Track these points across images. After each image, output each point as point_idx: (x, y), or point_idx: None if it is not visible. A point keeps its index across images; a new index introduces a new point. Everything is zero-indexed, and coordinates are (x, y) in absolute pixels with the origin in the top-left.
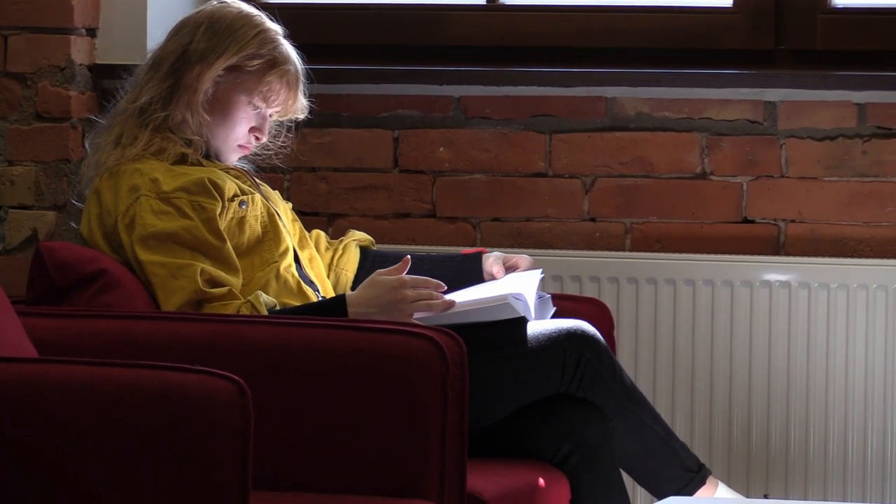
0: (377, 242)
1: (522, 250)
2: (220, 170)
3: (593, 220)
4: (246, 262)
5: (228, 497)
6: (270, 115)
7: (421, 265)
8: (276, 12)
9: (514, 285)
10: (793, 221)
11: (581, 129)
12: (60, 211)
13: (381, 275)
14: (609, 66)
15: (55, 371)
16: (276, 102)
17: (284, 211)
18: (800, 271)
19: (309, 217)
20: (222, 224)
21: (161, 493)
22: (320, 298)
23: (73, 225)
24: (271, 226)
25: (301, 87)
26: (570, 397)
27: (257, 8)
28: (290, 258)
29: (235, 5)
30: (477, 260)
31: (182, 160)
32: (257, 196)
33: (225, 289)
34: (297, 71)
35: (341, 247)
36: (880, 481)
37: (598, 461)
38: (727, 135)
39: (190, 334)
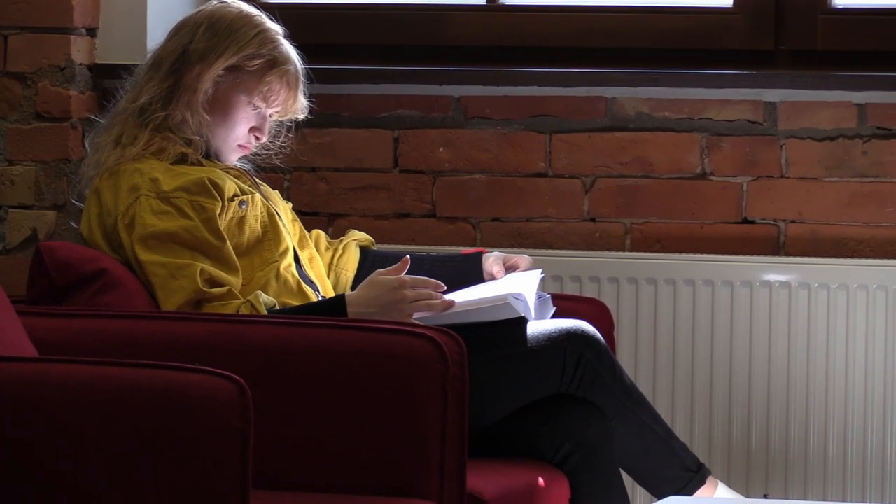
0: (377, 242)
1: (522, 250)
2: (220, 169)
3: (593, 220)
4: (246, 262)
5: (228, 497)
6: (270, 115)
7: (421, 265)
8: (276, 12)
9: (514, 285)
10: (793, 222)
11: (581, 129)
12: (60, 211)
13: (380, 275)
14: (609, 66)
15: (55, 371)
16: (276, 102)
17: (284, 211)
18: (800, 272)
19: (309, 217)
20: (222, 224)
21: (161, 492)
22: (320, 298)
23: (73, 224)
24: (271, 225)
25: (301, 86)
26: (570, 397)
27: (257, 8)
28: (289, 258)
29: (235, 5)
30: (477, 260)
31: (182, 160)
32: (257, 196)
33: (224, 289)
34: (297, 71)
35: (341, 247)
36: (880, 481)
37: (598, 461)
38: (727, 135)
39: (189, 334)
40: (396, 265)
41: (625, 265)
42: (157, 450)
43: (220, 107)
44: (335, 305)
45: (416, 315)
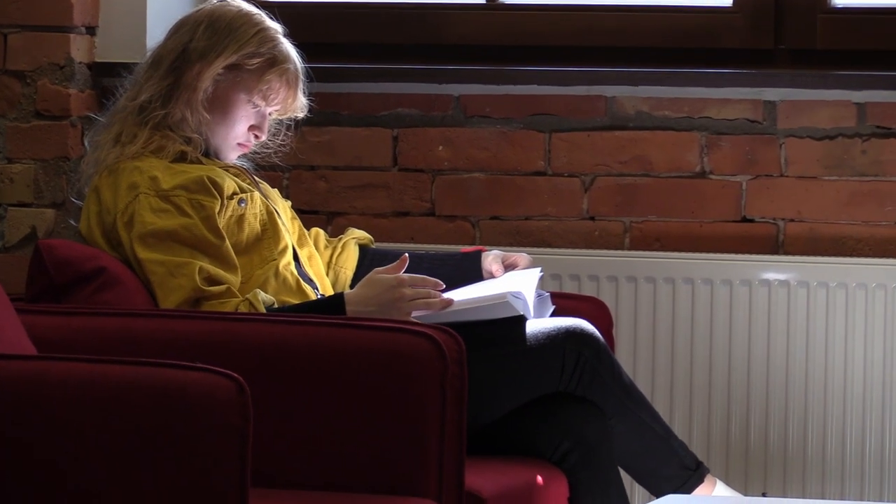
0: (376, 241)
1: (521, 249)
2: (220, 168)
3: (592, 218)
4: (245, 260)
5: (227, 495)
6: (270, 114)
7: (420, 263)
8: (275, 11)
9: (513, 284)
10: (792, 221)
11: (580, 128)
12: (59, 209)
13: (379, 273)
14: (609, 65)
15: (54, 368)
16: (276, 101)
17: (283, 209)
18: (799, 270)
19: (308, 215)
20: (221, 222)
21: (160, 490)
22: (319, 296)
23: (72, 223)
24: (270, 224)
25: (300, 85)
26: (569, 396)
27: (257, 6)
28: (289, 256)
29: (235, 4)
30: (476, 258)
31: (181, 158)
32: (256, 194)
33: (223, 287)
34: (296, 69)
35: (340, 245)
36: (878, 479)
37: (597, 459)
38: (726, 134)
39: (188, 332)
40: (395, 263)
41: (624, 264)
42: (156, 448)
43: (220, 105)
44: (334, 304)
45: (414, 314)
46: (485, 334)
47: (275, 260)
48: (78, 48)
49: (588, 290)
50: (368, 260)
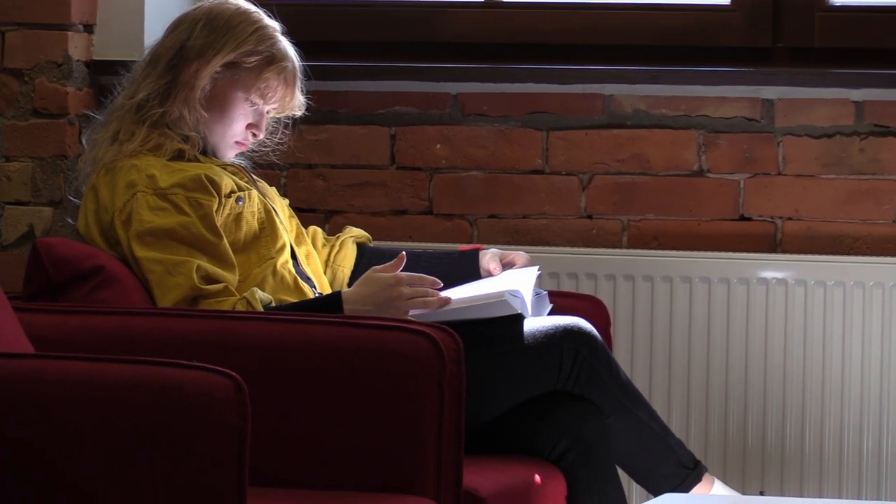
0: (374, 239)
1: (519, 247)
2: (217, 166)
3: (590, 217)
4: (242, 259)
5: (225, 493)
6: (268, 112)
7: (418, 262)
8: (273, 9)
9: (510, 282)
10: (790, 219)
11: (578, 126)
12: (57, 207)
13: (376, 272)
14: (606, 63)
15: (52, 367)
16: (274, 99)
17: (281, 207)
18: (796, 269)
19: (306, 213)
20: (219, 220)
21: (158, 488)
22: (317, 295)
23: (70, 221)
24: (268, 222)
25: (298, 83)
26: (567, 394)
27: (255, 5)
28: (286, 254)
29: (233, 2)
30: (474, 257)
31: (179, 156)
32: (254, 192)
33: (221, 285)
34: (294, 68)
35: (338, 243)
36: (876, 478)
37: (595, 458)
38: (724, 132)
39: (186, 331)
40: (392, 262)
41: (621, 262)
42: (154, 446)
43: (218, 103)
44: (331, 302)
45: (412, 312)
46: (483, 333)
47: (272, 258)
48: (76, 46)
49: (586, 288)
50: (366, 258)
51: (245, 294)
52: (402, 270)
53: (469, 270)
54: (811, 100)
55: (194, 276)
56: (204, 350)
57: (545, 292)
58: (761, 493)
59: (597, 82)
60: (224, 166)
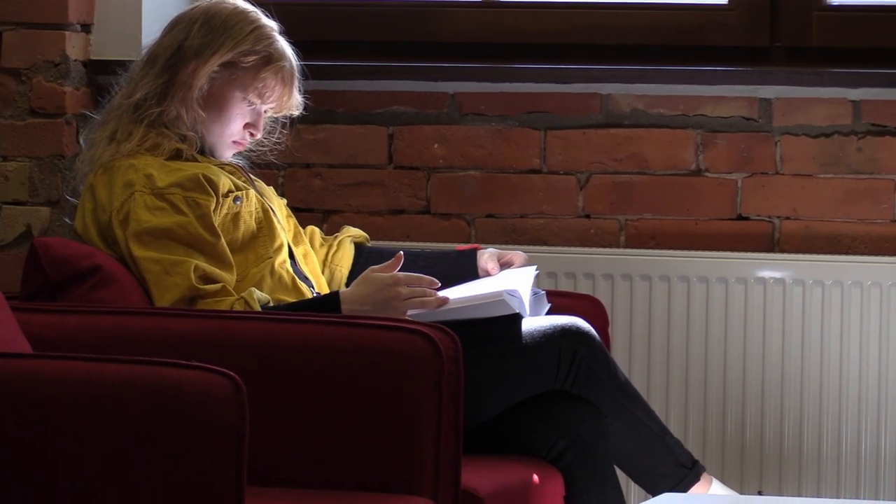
0: (372, 239)
1: (517, 247)
2: (215, 165)
3: (588, 216)
4: (240, 258)
5: (223, 493)
6: (265, 112)
7: (415, 262)
8: (271, 8)
9: (508, 282)
10: (787, 218)
11: (576, 125)
12: (54, 207)
13: (374, 272)
14: (604, 62)
15: (50, 367)
16: (271, 99)
17: (279, 207)
18: (794, 268)
19: (303, 213)
20: (217, 220)
21: (156, 488)
22: (315, 294)
23: (68, 221)
24: (266, 221)
25: (296, 83)
26: (565, 394)
27: (253, 4)
28: (284, 254)
29: (231, 1)
30: (472, 256)
31: (177, 156)
32: (252, 192)
33: (219, 285)
34: (292, 67)
35: (336, 243)
36: (874, 477)
37: (593, 457)
38: (722, 132)
39: (184, 330)
40: (390, 262)
41: (619, 262)
42: (152, 446)
43: (215, 103)
44: (329, 302)
45: (410, 312)
46: (481, 332)
47: (270, 258)
48: (73, 45)
49: (584, 288)
50: (364, 258)
51: (243, 294)
52: (399, 270)
53: (467, 270)
54: (809, 99)
55: (192, 275)
56: (202, 350)
57: (543, 292)
58: (759, 493)
59: (594, 82)
60: (222, 166)
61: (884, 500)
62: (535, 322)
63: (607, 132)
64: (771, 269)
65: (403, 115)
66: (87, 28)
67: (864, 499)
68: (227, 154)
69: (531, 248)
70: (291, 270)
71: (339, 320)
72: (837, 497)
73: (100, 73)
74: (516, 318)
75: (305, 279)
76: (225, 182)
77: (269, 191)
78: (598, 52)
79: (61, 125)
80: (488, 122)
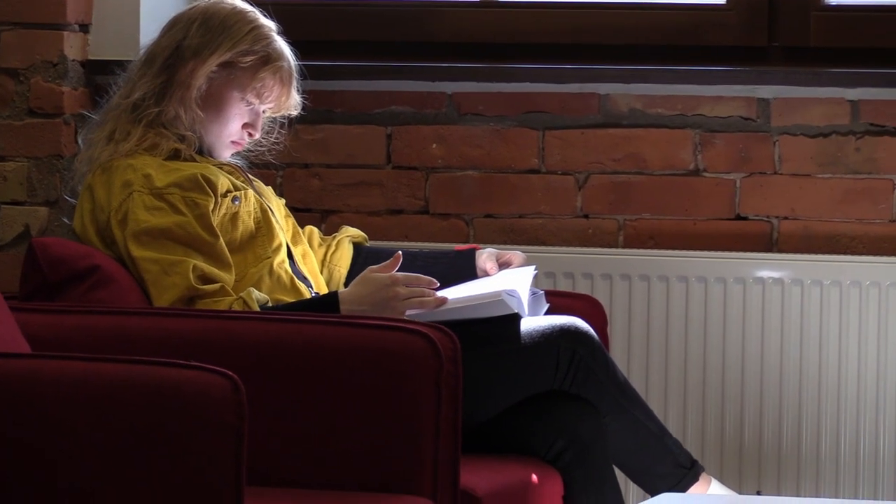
0: (370, 239)
1: (515, 247)
2: (213, 165)
3: (586, 216)
4: (239, 258)
5: (222, 493)
6: (263, 112)
7: (414, 262)
8: (269, 8)
9: (507, 282)
10: (786, 218)
11: (574, 125)
12: (53, 207)
13: (372, 272)
14: (602, 62)
15: (48, 367)
16: (270, 99)
17: (277, 207)
18: (793, 268)
19: (301, 213)
20: (215, 220)
21: (155, 488)
22: (313, 294)
23: (66, 221)
24: (264, 221)
25: (294, 83)
26: (564, 394)
27: (251, 4)
28: (283, 254)
29: (229, 1)
30: (470, 256)
31: (175, 156)
32: (250, 192)
33: (217, 285)
34: (290, 67)
35: (334, 243)
36: (872, 477)
37: (592, 457)
38: (720, 131)
39: (182, 330)
40: (388, 262)
41: (618, 262)
42: (151, 446)
43: (214, 103)
44: (328, 302)
45: (408, 312)
46: (479, 332)
47: (269, 258)
48: (71, 46)
49: (582, 288)
50: (362, 258)
51: (241, 294)
52: (398, 270)
53: (465, 270)
54: (807, 99)
55: (191, 275)
56: (200, 350)
57: (542, 292)
58: (758, 493)
59: (593, 82)
60: (220, 166)
61: (882, 499)
62: (534, 322)
63: (605, 132)
64: (769, 269)
65: (402, 115)
66: (85, 28)
67: (863, 499)
68: (226, 154)
69: (530, 248)
70: (290, 270)
71: (338, 320)
72: (836, 497)
73: (98, 73)
74: (515, 318)
75: (304, 279)
76: (223, 182)
77: (268, 191)
78: (597, 52)
79: (59, 125)
80: (486, 122)
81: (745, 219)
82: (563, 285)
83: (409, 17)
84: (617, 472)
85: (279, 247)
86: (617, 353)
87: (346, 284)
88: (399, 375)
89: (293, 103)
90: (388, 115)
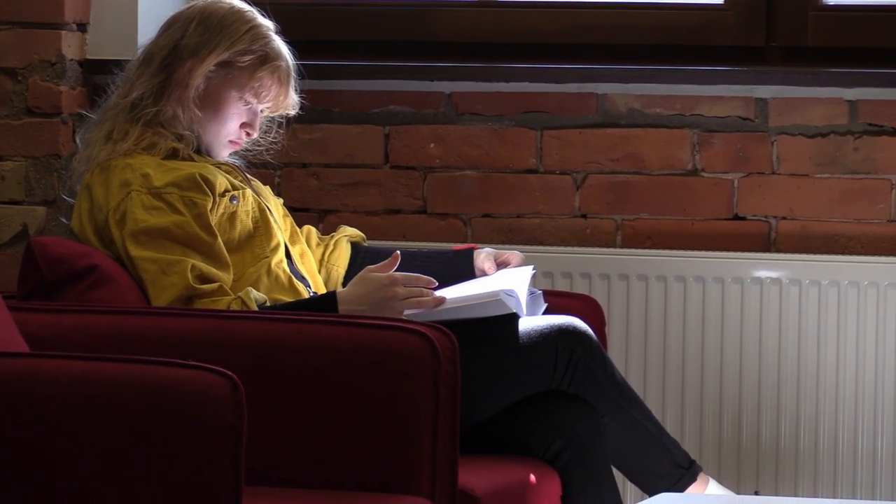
0: (368, 238)
1: (513, 247)
2: (212, 165)
3: (584, 216)
4: (237, 258)
5: (221, 492)
6: (261, 111)
7: (412, 261)
8: (267, 8)
9: (505, 281)
10: (784, 218)
11: (572, 125)
12: (50, 206)
13: (371, 272)
14: (600, 62)
15: (46, 366)
16: (268, 98)
17: (275, 206)
18: (791, 268)
19: (299, 213)
20: (213, 219)
21: (154, 488)
22: (311, 294)
23: (64, 220)
24: (262, 221)
25: (292, 82)
26: (562, 393)
27: (249, 3)
28: (281, 253)
29: (227, 1)
30: (468, 256)
31: (173, 155)
32: (248, 191)
33: (215, 285)
34: (288, 67)
35: (332, 242)
36: (870, 477)
37: (590, 457)
38: (718, 131)
39: (181, 330)
40: (387, 261)
41: (616, 261)
42: (149, 446)
43: (212, 102)
44: (326, 302)
45: (407, 312)
46: (477, 332)
47: (267, 257)
48: (69, 45)
49: (580, 287)
50: (360, 258)
51: (240, 293)
52: (396, 270)
53: (464, 270)
54: (805, 99)
55: (189, 275)
56: (199, 349)
57: (540, 292)
58: (756, 493)
59: (591, 81)
60: (218, 165)
61: (880, 499)
62: (532, 322)
63: (604, 132)
64: (767, 268)
65: (400, 114)
66: (83, 27)
67: (861, 498)
68: (224, 153)
69: (528, 247)
70: (288, 270)
71: (337, 320)
72: (834, 497)
73: (96, 73)
74: (513, 318)
75: (302, 279)
76: (221, 181)
77: (266, 190)
78: (595, 52)
79: (57, 125)
80: (485, 121)
81: (743, 219)
82: (561, 285)
83: (407, 17)
84: (615, 471)
85: (277, 246)
86: (615, 353)
87: (344, 284)
88: (397, 375)
89: (291, 103)
90: (387, 114)
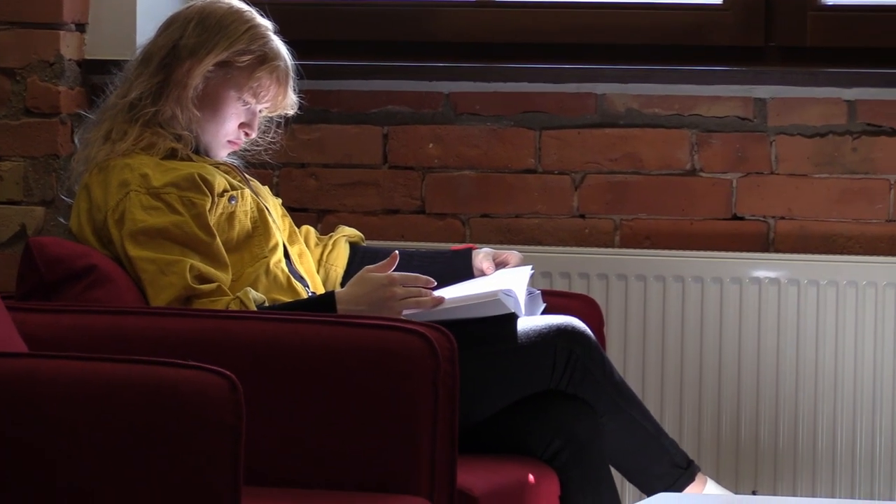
0: (366, 239)
1: (512, 247)
2: (210, 165)
3: (583, 216)
4: (235, 258)
5: (220, 492)
6: (260, 111)
7: (410, 261)
8: (266, 8)
9: (503, 281)
10: (782, 218)
11: (571, 125)
12: (49, 206)
13: (369, 271)
14: (599, 62)
15: (45, 366)
16: (266, 98)
17: (274, 206)
18: (789, 268)
19: (298, 213)
20: (212, 219)
21: (153, 488)
22: (310, 294)
23: (62, 220)
24: (261, 221)
25: (291, 82)
26: (560, 393)
27: (247, 3)
28: (279, 253)
29: (226, 1)
30: (467, 256)
31: (172, 155)
32: (247, 191)
33: (214, 285)
34: (287, 67)
35: (331, 242)
36: (869, 477)
37: (588, 457)
38: (717, 131)
39: (179, 330)
40: (385, 261)
41: (614, 261)
42: (148, 446)
43: (210, 102)
44: (324, 302)
45: (405, 312)
46: (476, 332)
47: (265, 257)
48: (68, 45)
49: (578, 287)
50: (359, 258)
51: (238, 294)
52: (394, 270)
53: (462, 270)
54: (803, 99)
55: (187, 275)
56: (197, 349)
57: (538, 291)
58: (754, 493)
59: (589, 81)
60: (217, 165)
61: (878, 499)
62: (531, 322)
63: (602, 132)
64: (766, 269)
65: (398, 114)
66: (81, 27)
67: (860, 498)
68: (222, 153)
69: (526, 247)
70: (287, 270)
71: (335, 320)
72: (832, 496)
73: (94, 73)
74: (512, 318)
75: (301, 279)
76: (220, 181)
77: (265, 190)
78: (593, 52)
79: (56, 125)
80: (483, 121)
81: (741, 219)
82: (560, 285)
83: (405, 17)
84: (613, 472)
85: (276, 246)
86: (613, 353)
87: (342, 284)
88: (396, 375)
89: (290, 103)
90: (385, 114)
